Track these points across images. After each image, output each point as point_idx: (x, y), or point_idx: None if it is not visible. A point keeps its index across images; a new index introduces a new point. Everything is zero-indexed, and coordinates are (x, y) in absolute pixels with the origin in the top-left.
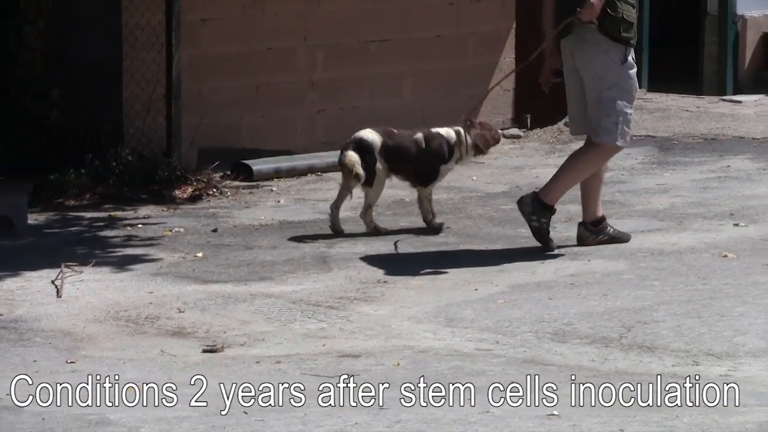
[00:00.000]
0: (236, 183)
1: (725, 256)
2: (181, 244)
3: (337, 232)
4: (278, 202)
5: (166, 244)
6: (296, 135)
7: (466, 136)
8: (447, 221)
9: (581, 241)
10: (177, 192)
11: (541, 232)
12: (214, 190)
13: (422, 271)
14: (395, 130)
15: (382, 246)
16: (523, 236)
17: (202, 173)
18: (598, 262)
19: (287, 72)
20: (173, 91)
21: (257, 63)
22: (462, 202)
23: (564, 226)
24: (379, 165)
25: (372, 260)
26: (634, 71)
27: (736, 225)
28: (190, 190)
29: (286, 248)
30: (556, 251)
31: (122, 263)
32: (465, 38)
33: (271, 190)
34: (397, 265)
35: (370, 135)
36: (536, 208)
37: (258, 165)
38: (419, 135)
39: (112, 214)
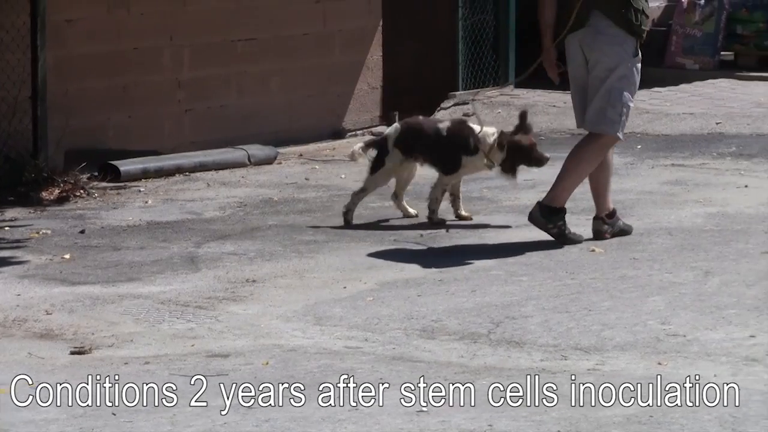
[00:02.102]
0: (104, 184)
1: (593, 250)
2: (48, 245)
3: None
4: (146, 202)
5: (33, 246)
6: (164, 135)
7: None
8: (315, 219)
9: (598, 236)
10: (44, 194)
11: (563, 236)
12: (82, 191)
13: (291, 270)
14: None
15: (250, 245)
16: (392, 233)
17: (69, 174)
18: (466, 259)
19: (154, 72)
20: (39, 93)
21: (124, 63)
22: (330, 200)
23: (432, 225)
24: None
25: (241, 260)
26: (639, 64)
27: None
28: (57, 191)
29: (154, 249)
30: (427, 246)
31: None
32: (332, 36)
33: (139, 191)
34: (265, 264)
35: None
36: (547, 216)
37: (125, 166)
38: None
39: None
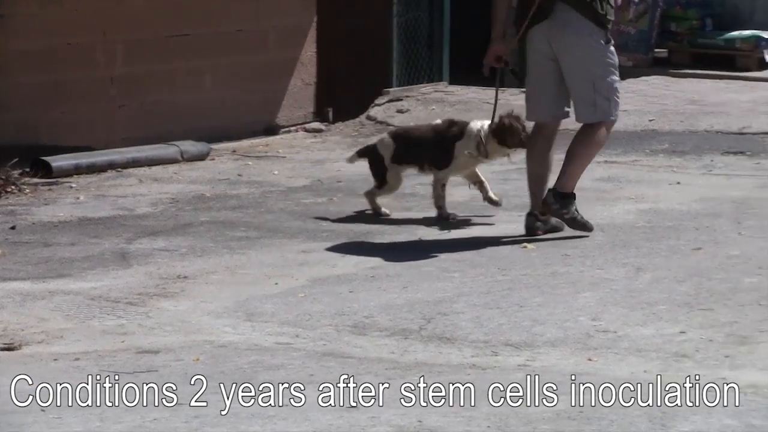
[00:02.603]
0: (35, 180)
1: (525, 247)
2: None
3: None
4: (78, 198)
5: None
6: (96, 131)
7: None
8: (247, 216)
9: (530, 232)
10: None
11: (576, 221)
12: (13, 187)
13: (222, 266)
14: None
15: (182, 241)
16: (324, 230)
17: (1, 170)
18: (398, 255)
19: (87, 68)
20: None
21: (57, 59)
22: (263, 196)
23: (364, 219)
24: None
25: (172, 256)
26: (613, 47)
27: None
28: None
29: (85, 245)
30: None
31: None
32: (266, 32)
33: (71, 187)
34: (197, 260)
35: None
36: (561, 202)
37: (57, 161)
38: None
39: None
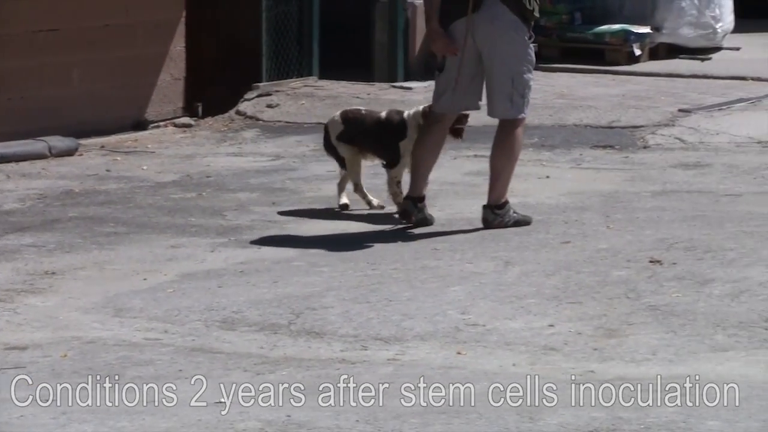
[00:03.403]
0: None
1: (395, 241)
2: None
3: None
4: None
5: None
6: None
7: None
8: (116, 211)
9: (405, 216)
10: None
11: (520, 222)
12: None
13: (91, 262)
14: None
15: (50, 237)
16: (193, 225)
17: None
18: (268, 250)
19: None
20: None
21: None
22: (132, 191)
23: (234, 214)
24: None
25: (40, 252)
26: (533, 44)
27: None
28: None
29: None
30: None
31: None
32: (135, 27)
33: None
34: (65, 256)
35: None
36: (498, 213)
37: None
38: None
39: None
